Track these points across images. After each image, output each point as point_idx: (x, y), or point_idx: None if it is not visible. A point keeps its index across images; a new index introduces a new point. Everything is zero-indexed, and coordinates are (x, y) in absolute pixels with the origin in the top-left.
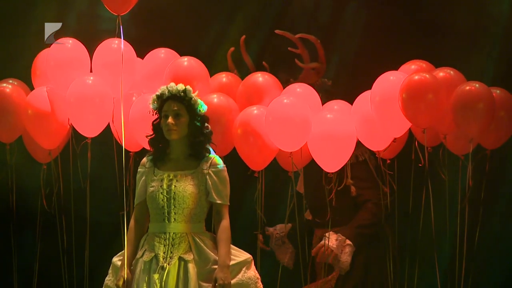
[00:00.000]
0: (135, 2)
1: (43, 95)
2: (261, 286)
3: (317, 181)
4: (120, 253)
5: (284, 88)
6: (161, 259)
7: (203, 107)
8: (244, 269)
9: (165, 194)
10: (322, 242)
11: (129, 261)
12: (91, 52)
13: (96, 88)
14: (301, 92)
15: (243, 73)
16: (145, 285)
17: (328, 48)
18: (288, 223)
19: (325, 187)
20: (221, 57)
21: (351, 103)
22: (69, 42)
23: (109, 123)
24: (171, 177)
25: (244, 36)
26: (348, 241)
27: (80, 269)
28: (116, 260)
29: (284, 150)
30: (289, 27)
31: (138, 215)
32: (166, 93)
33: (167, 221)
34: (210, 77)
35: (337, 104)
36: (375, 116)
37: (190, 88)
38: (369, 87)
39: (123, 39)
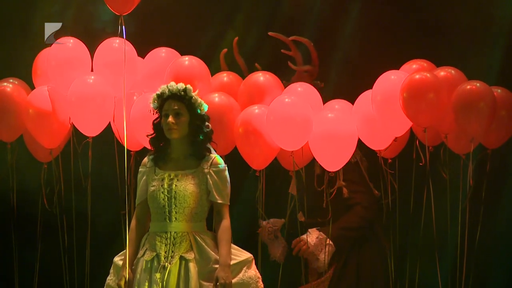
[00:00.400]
0: (137, 2)
1: (44, 95)
2: (262, 285)
3: (311, 182)
4: (122, 252)
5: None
6: (162, 258)
7: (203, 106)
8: (245, 268)
9: (166, 193)
10: (302, 236)
11: (130, 260)
12: (92, 51)
13: (97, 87)
14: (302, 92)
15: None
16: (146, 284)
17: (329, 48)
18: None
19: (326, 189)
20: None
21: (352, 103)
22: (70, 42)
23: (110, 122)
24: (172, 177)
25: (237, 38)
26: (329, 241)
27: (81, 268)
28: (117, 259)
29: (285, 149)
30: (289, 27)
31: (139, 214)
32: (167, 92)
33: (168, 221)
34: (211, 76)
35: (338, 104)
36: (376, 115)
37: (190, 87)
38: (370, 86)
39: (121, 37)
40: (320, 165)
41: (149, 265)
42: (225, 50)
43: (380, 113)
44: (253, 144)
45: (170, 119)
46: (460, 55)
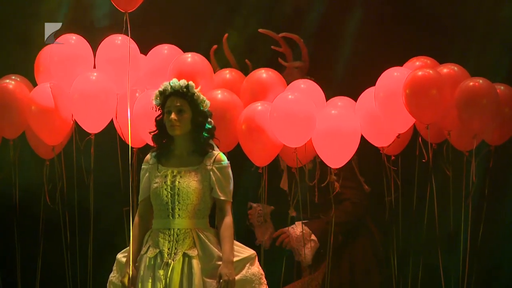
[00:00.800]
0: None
1: (47, 91)
2: (265, 282)
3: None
4: (125, 249)
5: None
6: (165, 255)
7: (206, 103)
8: (248, 265)
9: (169, 190)
10: (286, 228)
11: (134, 257)
12: (94, 48)
13: (100, 84)
14: (305, 88)
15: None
16: (150, 281)
17: (332, 45)
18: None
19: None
20: (223, 53)
21: (355, 99)
22: (73, 38)
23: (112, 119)
24: (174, 173)
25: (226, 34)
26: (313, 236)
27: (83, 265)
28: (120, 256)
29: (288, 146)
30: (291, 24)
31: (142, 211)
32: (169, 89)
33: (171, 217)
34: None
35: (341, 101)
36: (379, 112)
37: (193, 84)
38: (373, 83)
39: (127, 34)
40: (313, 160)
41: (152, 262)
42: (215, 46)
43: (383, 110)
44: (256, 141)
45: (173, 115)
46: (463, 52)
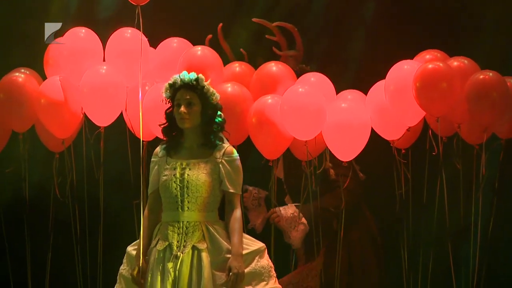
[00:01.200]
0: None
1: (56, 85)
2: (275, 274)
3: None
4: (135, 242)
5: None
6: (174, 248)
7: (216, 96)
8: (257, 258)
9: (178, 182)
10: (277, 208)
11: (144, 250)
12: (104, 41)
13: (110, 77)
14: (315, 81)
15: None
16: (159, 274)
17: (342, 38)
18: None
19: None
20: (231, 46)
21: (366, 93)
22: (82, 32)
23: (122, 112)
24: (184, 166)
25: (221, 24)
26: (303, 220)
27: (93, 258)
28: (130, 249)
29: (299, 139)
30: (302, 17)
31: (152, 204)
32: (179, 82)
33: (180, 210)
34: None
35: (351, 94)
36: (389, 105)
37: (203, 77)
38: (383, 76)
39: (138, 28)
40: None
41: (161, 255)
42: (209, 36)
43: (393, 103)
44: (266, 134)
45: (182, 108)
46: (473, 45)
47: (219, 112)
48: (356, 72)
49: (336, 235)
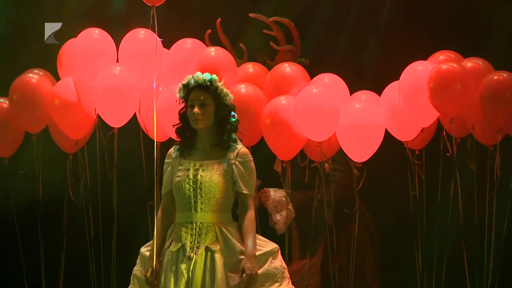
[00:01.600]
0: None
1: (70, 85)
2: (288, 275)
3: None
4: (148, 243)
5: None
6: (188, 249)
7: (229, 96)
8: (270, 259)
9: (191, 184)
10: (268, 189)
11: (157, 251)
12: (117, 42)
13: (123, 78)
14: (329, 82)
15: None
16: (172, 275)
17: (356, 38)
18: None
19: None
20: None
21: (379, 94)
22: (96, 32)
23: (135, 113)
24: (197, 167)
25: (219, 19)
26: (290, 206)
27: (107, 259)
28: (144, 250)
29: (313, 140)
30: (315, 16)
31: (165, 205)
32: (192, 82)
33: (193, 211)
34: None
35: (365, 95)
36: (403, 106)
37: (216, 77)
38: (397, 77)
39: (152, 29)
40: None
41: (175, 256)
42: (209, 31)
43: (407, 103)
44: (281, 135)
45: (196, 109)
46: (487, 46)
47: (232, 113)
48: (370, 73)
49: (336, 232)
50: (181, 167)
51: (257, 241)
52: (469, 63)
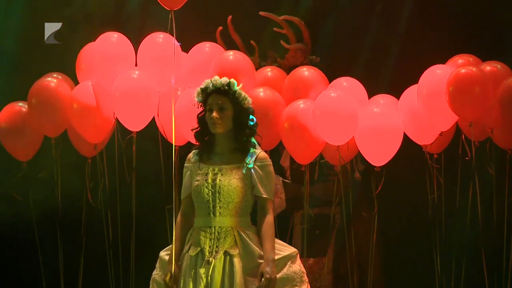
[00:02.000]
0: None
1: (88, 89)
2: (307, 280)
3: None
4: (168, 247)
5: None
6: (206, 253)
7: (248, 100)
8: (289, 263)
9: (210, 188)
10: None
11: (176, 256)
12: (136, 46)
13: (142, 82)
14: (347, 86)
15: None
16: (191, 279)
17: (374, 42)
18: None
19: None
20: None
21: (398, 97)
22: (114, 36)
23: (154, 117)
24: (216, 171)
25: (230, 16)
26: (283, 196)
27: (126, 263)
28: (163, 254)
29: (331, 143)
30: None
31: (184, 209)
32: (211, 86)
33: (212, 215)
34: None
35: (383, 98)
36: (422, 110)
37: (234, 81)
38: (416, 81)
39: (171, 33)
40: None
41: (193, 260)
42: (220, 28)
43: (426, 107)
44: (299, 139)
45: (214, 113)
46: (506, 49)
47: (251, 117)
48: (389, 76)
49: (339, 231)
50: (200, 172)
51: (276, 245)
52: (488, 67)
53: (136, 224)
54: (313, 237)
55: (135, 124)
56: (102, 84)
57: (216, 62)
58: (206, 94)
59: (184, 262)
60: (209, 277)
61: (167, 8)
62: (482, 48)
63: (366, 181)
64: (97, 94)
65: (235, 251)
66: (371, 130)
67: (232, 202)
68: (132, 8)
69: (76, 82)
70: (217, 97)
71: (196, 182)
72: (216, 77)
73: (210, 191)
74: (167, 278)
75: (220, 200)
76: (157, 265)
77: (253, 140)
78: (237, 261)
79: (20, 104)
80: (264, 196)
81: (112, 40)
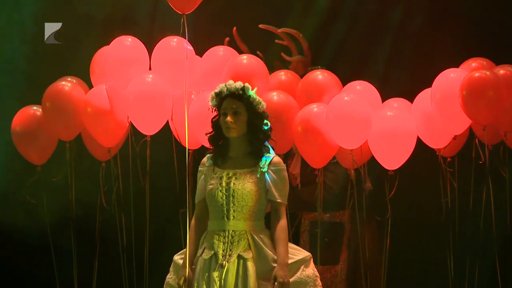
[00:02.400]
0: (200, 1)
1: (102, 93)
2: (320, 284)
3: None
4: (182, 251)
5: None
6: (220, 257)
7: (262, 105)
8: (302, 267)
9: (224, 192)
10: None
11: (190, 259)
12: (150, 50)
13: (156, 86)
14: (361, 90)
15: None
16: (204, 283)
17: (388, 46)
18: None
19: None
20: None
21: (411, 101)
22: (128, 40)
23: (168, 121)
24: (230, 175)
25: (235, 28)
26: None
27: (139, 267)
28: (177, 258)
29: (344, 147)
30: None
31: (199, 213)
32: (225, 91)
33: (226, 219)
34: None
35: (397, 102)
36: (435, 114)
37: (249, 86)
38: (429, 84)
39: (183, 37)
40: None
41: (207, 264)
42: (227, 39)
43: (440, 111)
44: (312, 143)
45: (229, 118)
46: None
47: (265, 121)
48: (402, 80)
49: (349, 238)
50: (214, 175)
51: (289, 249)
52: (502, 71)
53: (150, 228)
54: (322, 244)
55: (149, 128)
56: (116, 88)
57: (230, 66)
58: (221, 98)
59: (197, 266)
60: (222, 281)
61: (179, 12)
62: (495, 51)
63: (380, 185)
64: (111, 98)
65: (248, 255)
66: (384, 133)
67: (246, 206)
68: (144, 12)
69: (90, 86)
70: (232, 101)
71: (210, 186)
72: (231, 81)
73: (224, 195)
74: (181, 282)
75: (234, 204)
76: (171, 269)
77: (267, 144)
78: (250, 265)
79: (35, 107)
80: (278, 200)
81: (126, 44)
